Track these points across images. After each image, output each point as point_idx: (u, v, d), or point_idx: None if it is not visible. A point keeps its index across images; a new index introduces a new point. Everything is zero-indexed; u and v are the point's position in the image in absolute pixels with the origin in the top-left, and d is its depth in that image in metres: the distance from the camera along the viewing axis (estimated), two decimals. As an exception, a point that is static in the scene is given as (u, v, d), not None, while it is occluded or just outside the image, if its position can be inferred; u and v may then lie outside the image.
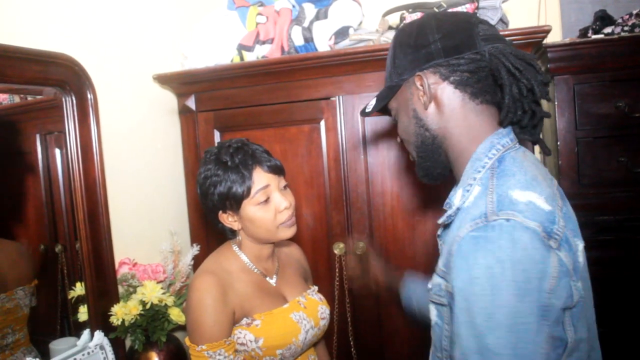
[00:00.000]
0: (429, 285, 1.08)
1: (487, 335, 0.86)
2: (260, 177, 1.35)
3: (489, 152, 1.03)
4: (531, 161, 1.04)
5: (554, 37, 2.16)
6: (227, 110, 1.99)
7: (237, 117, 1.98)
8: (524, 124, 1.06)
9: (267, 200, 1.36)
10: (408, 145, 1.18)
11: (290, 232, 1.40)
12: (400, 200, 1.83)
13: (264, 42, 1.97)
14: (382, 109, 1.22)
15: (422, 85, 1.08)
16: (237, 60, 1.98)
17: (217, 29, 2.01)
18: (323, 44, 1.90)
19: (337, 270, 1.86)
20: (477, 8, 1.78)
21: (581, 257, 0.96)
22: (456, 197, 1.05)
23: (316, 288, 1.58)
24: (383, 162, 1.84)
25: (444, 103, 1.07)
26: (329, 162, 1.87)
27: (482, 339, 0.87)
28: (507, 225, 0.87)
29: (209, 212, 1.42)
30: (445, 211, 1.09)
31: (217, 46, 1.99)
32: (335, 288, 1.87)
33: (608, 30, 1.91)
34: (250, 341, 1.33)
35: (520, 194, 0.92)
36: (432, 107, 1.08)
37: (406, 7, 1.84)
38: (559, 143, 1.88)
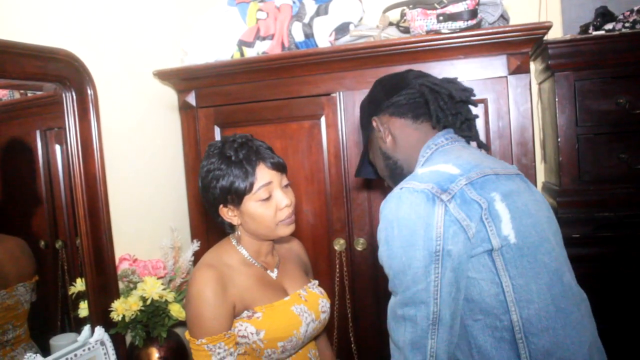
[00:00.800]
0: None
1: (393, 279, 1.10)
2: (263, 174, 1.35)
3: (424, 152, 1.26)
4: (469, 151, 1.22)
5: (555, 34, 2.15)
6: (228, 106, 1.99)
7: (237, 113, 1.98)
8: (457, 125, 1.29)
9: (268, 198, 1.35)
10: (386, 179, 1.39)
11: (288, 230, 1.40)
12: (401, 197, 1.83)
13: (264, 38, 1.96)
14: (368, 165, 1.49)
15: (377, 126, 1.33)
16: (237, 56, 1.98)
17: (217, 25, 2.01)
18: (323, 40, 1.90)
19: (337, 266, 1.87)
20: (478, 4, 1.77)
21: (499, 205, 1.09)
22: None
23: (317, 282, 1.58)
24: (383, 159, 1.83)
25: (395, 132, 1.31)
26: (330, 158, 1.87)
27: (391, 282, 1.11)
28: (398, 192, 1.10)
29: (209, 205, 1.41)
30: None
31: (218, 42, 1.99)
32: (335, 284, 1.87)
33: (609, 26, 1.91)
34: (252, 333, 1.33)
35: (426, 169, 1.14)
36: (389, 139, 1.32)
37: (407, 4, 1.84)
38: (559, 139, 1.88)
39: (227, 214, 1.39)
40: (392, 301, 1.12)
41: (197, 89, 2.01)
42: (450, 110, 1.25)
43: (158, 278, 1.76)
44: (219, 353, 1.29)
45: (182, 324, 1.73)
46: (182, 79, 2.00)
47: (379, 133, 1.33)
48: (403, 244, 1.06)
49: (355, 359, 1.89)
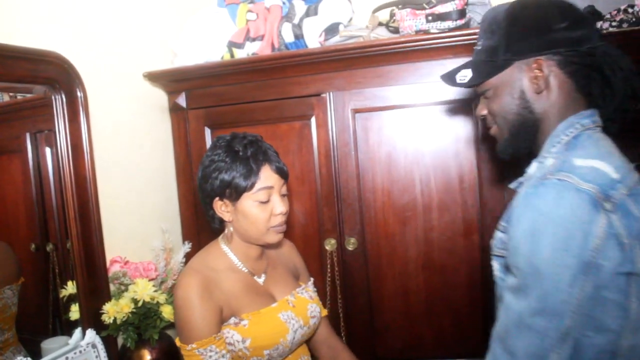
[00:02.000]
0: (492, 242, 1.17)
1: (526, 277, 0.97)
2: (267, 176, 1.35)
3: (567, 129, 1.09)
4: (609, 144, 1.10)
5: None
6: (218, 107, 1.99)
7: (228, 114, 1.98)
8: (617, 120, 1.13)
9: (266, 201, 1.35)
10: (500, 122, 1.19)
11: (277, 237, 1.39)
12: (391, 196, 1.84)
13: (254, 39, 1.97)
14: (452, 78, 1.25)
15: (540, 70, 1.11)
16: (227, 57, 1.98)
17: (207, 26, 2.01)
18: (313, 40, 1.91)
19: (328, 266, 1.87)
20: (467, 4, 1.79)
21: None
22: (531, 168, 1.13)
23: (310, 284, 1.57)
24: (374, 158, 1.85)
25: (554, 90, 1.12)
26: (320, 159, 1.88)
27: (522, 280, 0.98)
28: (558, 184, 0.97)
29: (204, 196, 1.40)
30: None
31: (208, 43, 1.99)
32: (327, 284, 1.88)
33: (597, 25, 1.92)
34: (238, 341, 1.33)
35: (583, 161, 1.00)
36: (543, 89, 1.12)
37: (396, 4, 1.85)
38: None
39: (221, 208, 1.38)
40: (519, 306, 0.99)
41: (187, 90, 2.01)
42: (627, 107, 1.11)
43: (149, 280, 1.76)
44: (210, 356, 1.28)
45: (174, 325, 1.73)
46: (172, 81, 2.00)
47: (534, 76, 1.12)
48: (555, 245, 0.94)
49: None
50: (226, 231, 1.43)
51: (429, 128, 1.83)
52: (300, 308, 1.45)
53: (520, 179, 1.16)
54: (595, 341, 0.99)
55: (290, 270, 1.56)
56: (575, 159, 1.01)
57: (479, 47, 1.20)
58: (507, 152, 1.21)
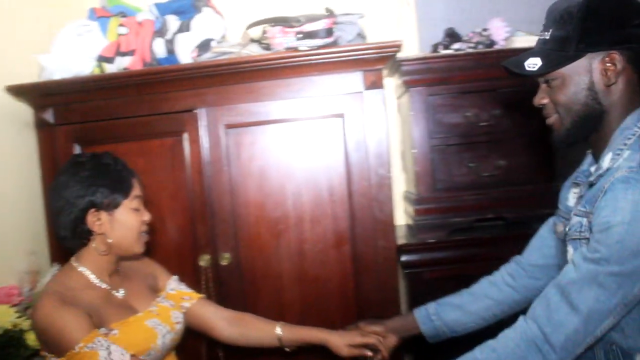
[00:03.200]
0: (566, 229, 1.25)
1: (612, 252, 1.04)
2: (136, 185, 1.44)
3: (638, 122, 1.15)
4: None
5: (413, 52, 2.29)
6: (88, 123, 1.93)
7: (98, 131, 1.92)
8: None
9: (138, 209, 1.43)
10: (563, 111, 1.21)
11: (143, 247, 1.47)
12: (264, 210, 1.86)
13: (125, 54, 1.93)
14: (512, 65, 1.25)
15: (612, 64, 1.14)
16: (97, 71, 1.93)
17: (76, 39, 1.95)
18: (186, 56, 1.90)
19: (203, 282, 1.86)
20: (335, 23, 1.86)
21: None
22: (605, 161, 1.16)
23: (172, 281, 1.60)
24: (246, 173, 1.86)
25: (623, 84, 1.16)
26: (193, 175, 1.87)
27: (606, 253, 1.05)
28: None
29: (76, 213, 1.36)
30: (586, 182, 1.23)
31: (77, 57, 1.93)
32: (203, 300, 1.86)
33: (457, 46, 2.06)
34: None
35: None
36: (612, 83, 1.16)
37: (267, 21, 1.89)
38: (415, 150, 1.99)
39: (96, 221, 1.37)
40: (595, 266, 1.07)
41: (55, 105, 1.93)
42: None
43: (12, 306, 1.67)
44: (102, 345, 1.26)
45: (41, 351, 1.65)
46: (39, 95, 1.92)
47: (606, 69, 1.15)
48: None
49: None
50: (93, 244, 1.40)
51: (300, 143, 1.87)
52: (164, 316, 1.48)
53: (599, 172, 1.18)
54: None
55: (148, 283, 1.57)
56: None
57: (547, 37, 1.20)
58: (565, 142, 1.25)
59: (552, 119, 1.25)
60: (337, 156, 1.85)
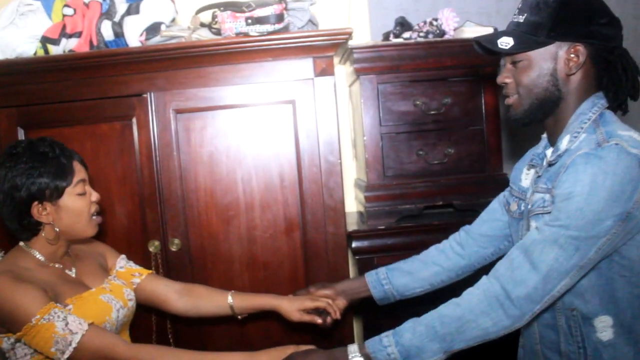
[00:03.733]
0: (524, 207, 1.35)
1: (571, 218, 1.13)
2: (78, 169, 1.41)
3: (592, 108, 1.25)
4: None
5: (364, 40, 2.31)
6: (32, 106, 1.88)
7: (43, 114, 1.88)
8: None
9: (84, 193, 1.41)
10: (524, 93, 1.28)
11: (96, 229, 1.46)
12: (214, 196, 1.86)
13: (71, 36, 1.88)
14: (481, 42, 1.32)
15: (576, 56, 1.23)
16: (41, 53, 1.87)
17: (18, 18, 1.89)
18: (134, 39, 1.86)
19: (153, 267, 1.84)
20: (286, 9, 1.86)
21: None
22: (563, 142, 1.25)
23: (121, 260, 1.62)
24: (196, 159, 1.85)
25: (581, 75, 1.25)
26: (142, 160, 1.85)
27: (565, 220, 1.14)
28: (616, 147, 1.14)
29: (17, 205, 1.35)
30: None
31: (19, 38, 1.87)
32: (152, 286, 1.85)
33: (407, 35, 2.08)
34: None
35: (622, 132, 1.18)
36: (572, 72, 1.24)
37: (217, 6, 1.87)
38: (365, 138, 2.01)
39: (42, 212, 1.36)
40: (557, 229, 1.15)
41: (-4, 87, 1.88)
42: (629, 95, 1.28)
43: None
44: (59, 316, 1.27)
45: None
46: (-21, 77, 1.86)
47: (570, 59, 1.24)
48: (610, 195, 1.11)
49: None
50: (43, 234, 1.40)
51: (251, 129, 1.87)
52: (117, 292, 1.50)
53: (558, 152, 1.26)
54: (634, 280, 1.21)
55: (99, 262, 1.58)
56: (616, 130, 1.19)
57: (521, 20, 1.27)
58: (522, 122, 1.32)
59: (511, 99, 1.32)
60: (287, 143, 1.86)
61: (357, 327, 2.05)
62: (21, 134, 1.88)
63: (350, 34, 1.82)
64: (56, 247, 1.43)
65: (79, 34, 1.88)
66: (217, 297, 1.61)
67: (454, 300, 1.26)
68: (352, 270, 2.01)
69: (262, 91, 1.84)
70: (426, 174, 2.04)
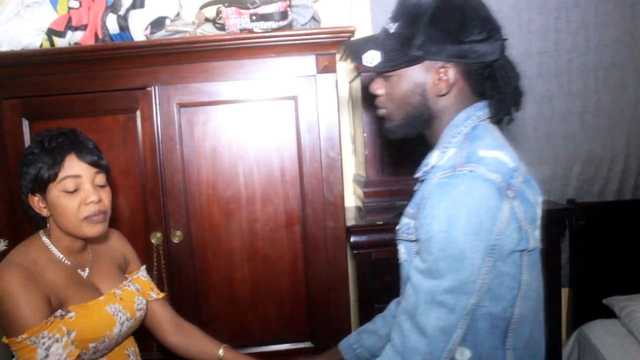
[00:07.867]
0: (397, 227, 1.26)
1: (438, 261, 1.07)
2: (73, 165, 1.34)
3: (465, 121, 1.19)
4: (500, 134, 1.21)
5: (366, 37, 2.33)
6: (37, 97, 1.89)
7: (48, 106, 1.89)
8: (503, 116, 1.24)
9: (74, 191, 1.33)
10: (395, 107, 1.23)
11: (95, 230, 1.37)
12: (216, 189, 1.89)
13: (76, 28, 1.90)
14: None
15: (446, 76, 1.16)
16: (46, 45, 1.89)
17: (24, 10, 1.91)
18: (139, 33, 1.89)
19: (155, 259, 1.87)
20: (290, 6, 1.88)
21: (539, 210, 1.19)
22: (432, 157, 1.21)
23: (141, 272, 1.62)
24: (199, 152, 1.88)
25: (453, 95, 1.19)
26: (145, 152, 1.87)
27: (434, 264, 1.08)
28: (469, 175, 1.06)
29: (22, 193, 1.38)
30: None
31: (25, 30, 1.89)
32: (153, 277, 1.88)
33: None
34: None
35: (487, 152, 1.11)
36: (443, 89, 1.17)
37: (222, 1, 1.89)
38: (365, 134, 2.04)
39: (38, 204, 1.36)
40: (430, 284, 1.09)
41: (1, 78, 1.89)
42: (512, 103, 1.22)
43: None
44: (44, 343, 1.25)
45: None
46: (-16, 67, 1.87)
47: (438, 79, 1.17)
48: (468, 230, 1.04)
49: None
50: (48, 226, 1.41)
51: (253, 123, 1.89)
52: (127, 301, 1.46)
53: (425, 169, 1.22)
54: (492, 310, 1.13)
55: (117, 263, 1.56)
56: (479, 150, 1.11)
57: (392, 30, 1.19)
58: (395, 135, 1.28)
59: (383, 111, 1.27)
60: (289, 138, 1.89)
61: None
62: (26, 125, 1.90)
63: (353, 32, 1.85)
64: (71, 241, 1.41)
65: (84, 27, 1.90)
66: (210, 345, 1.61)
67: None
68: (350, 265, 2.04)
69: (265, 87, 1.87)
70: (424, 171, 2.06)
